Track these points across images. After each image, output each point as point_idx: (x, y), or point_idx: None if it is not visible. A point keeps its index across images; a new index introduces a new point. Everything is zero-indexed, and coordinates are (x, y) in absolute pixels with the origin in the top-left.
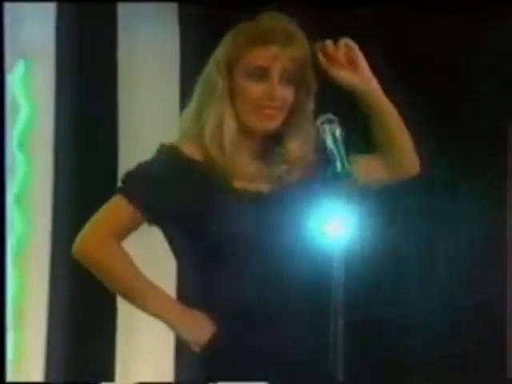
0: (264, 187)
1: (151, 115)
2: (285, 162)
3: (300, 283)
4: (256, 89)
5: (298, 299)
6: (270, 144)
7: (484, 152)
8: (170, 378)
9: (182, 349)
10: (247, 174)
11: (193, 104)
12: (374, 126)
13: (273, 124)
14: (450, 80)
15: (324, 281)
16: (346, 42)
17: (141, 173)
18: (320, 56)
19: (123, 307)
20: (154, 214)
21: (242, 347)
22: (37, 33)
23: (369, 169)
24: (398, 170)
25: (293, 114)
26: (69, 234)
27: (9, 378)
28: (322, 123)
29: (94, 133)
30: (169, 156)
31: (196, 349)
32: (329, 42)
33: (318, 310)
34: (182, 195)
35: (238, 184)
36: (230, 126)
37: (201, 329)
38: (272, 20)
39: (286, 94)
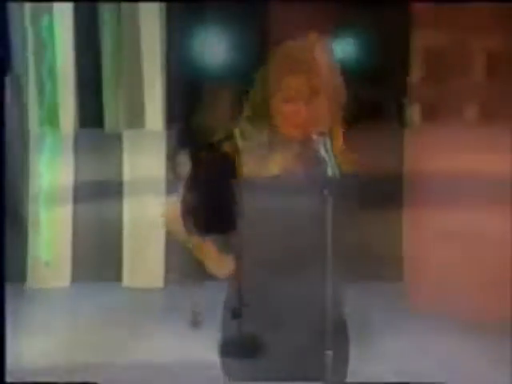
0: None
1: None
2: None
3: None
4: (290, 109)
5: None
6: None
7: None
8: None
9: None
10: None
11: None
12: None
13: (302, 134)
14: None
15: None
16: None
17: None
18: None
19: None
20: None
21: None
22: None
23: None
24: None
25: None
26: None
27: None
28: (316, 136)
29: (106, 71)
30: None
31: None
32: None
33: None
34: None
35: (274, 169)
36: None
37: (224, 266)
38: (305, 49)
39: (312, 110)
